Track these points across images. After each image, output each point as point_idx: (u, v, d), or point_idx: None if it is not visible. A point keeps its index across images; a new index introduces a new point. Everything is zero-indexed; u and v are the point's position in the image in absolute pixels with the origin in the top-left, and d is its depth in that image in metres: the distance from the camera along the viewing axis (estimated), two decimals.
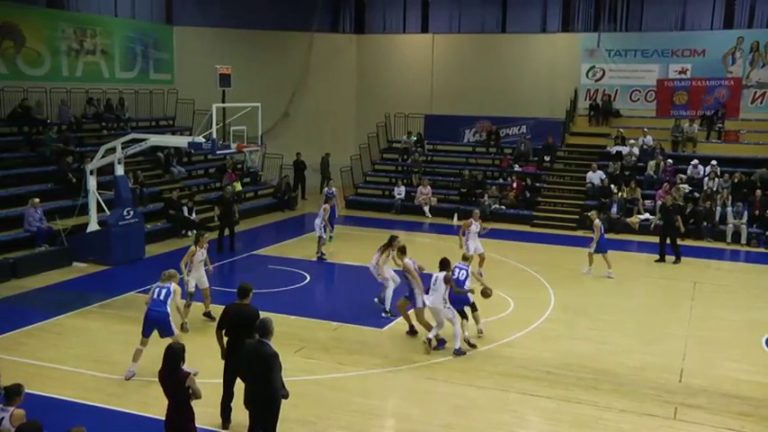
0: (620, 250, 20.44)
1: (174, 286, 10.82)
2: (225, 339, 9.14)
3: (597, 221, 17.62)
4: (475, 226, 17.12)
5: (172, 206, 21.19)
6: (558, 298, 15.42)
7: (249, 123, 17.92)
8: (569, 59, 28.44)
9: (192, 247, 13.24)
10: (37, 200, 17.97)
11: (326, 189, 21.47)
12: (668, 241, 19.08)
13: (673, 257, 18.99)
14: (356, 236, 21.10)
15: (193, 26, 28.47)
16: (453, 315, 12.02)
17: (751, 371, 11.65)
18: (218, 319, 9.31)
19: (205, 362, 10.75)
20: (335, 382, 10.77)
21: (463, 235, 17.09)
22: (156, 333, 10.77)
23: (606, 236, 21.89)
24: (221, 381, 9.57)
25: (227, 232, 19.64)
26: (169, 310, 10.73)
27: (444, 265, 12.10)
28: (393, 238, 13.81)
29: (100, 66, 25.43)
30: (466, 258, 13.30)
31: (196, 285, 13.31)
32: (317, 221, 18.70)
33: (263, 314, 9.04)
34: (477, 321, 12.85)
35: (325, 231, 18.68)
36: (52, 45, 23.57)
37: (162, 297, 10.65)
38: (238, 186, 24.41)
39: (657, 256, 19.14)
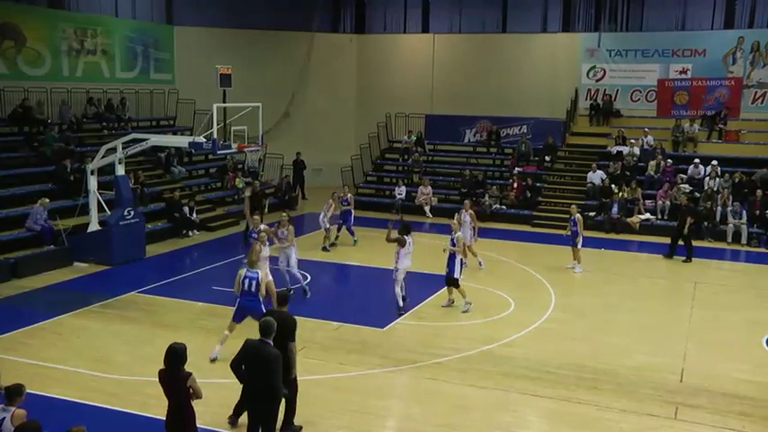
0: (621, 250, 20.48)
1: (261, 275, 11.50)
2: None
3: (579, 215, 17.68)
4: (465, 215, 17.35)
5: (174, 207, 21.19)
6: (558, 298, 15.41)
7: (250, 123, 17.92)
8: (570, 59, 28.42)
9: (257, 245, 13.58)
10: (47, 200, 18.05)
11: (341, 194, 21.10)
12: (681, 242, 19.35)
13: (682, 257, 19.22)
14: (358, 236, 21.06)
15: (194, 26, 28.48)
16: None
17: (752, 371, 11.64)
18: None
19: (205, 363, 10.78)
20: (336, 382, 10.77)
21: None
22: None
23: (607, 236, 22.12)
24: (223, 381, 9.58)
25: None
26: (260, 298, 11.36)
27: (408, 228, 13.99)
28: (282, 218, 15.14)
29: (100, 66, 25.43)
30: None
31: None
32: (324, 217, 19.51)
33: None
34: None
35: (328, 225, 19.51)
36: (53, 45, 23.57)
37: (253, 289, 11.27)
38: (240, 183, 24.71)
39: (665, 254, 19.46)
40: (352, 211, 20.34)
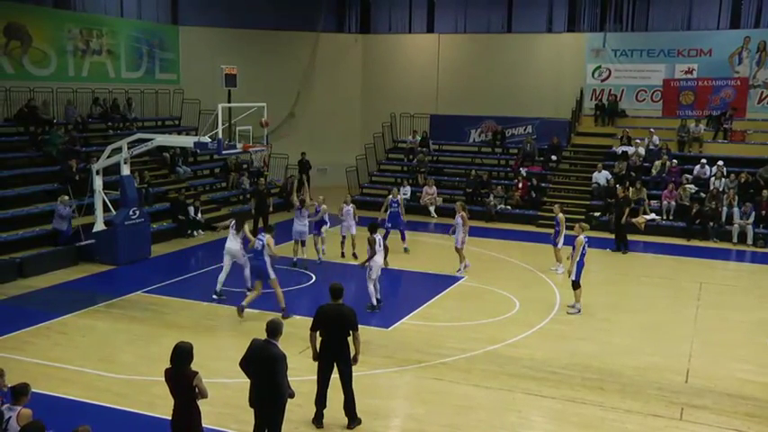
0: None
1: (267, 238, 13.54)
2: (318, 340, 9.22)
3: (561, 215, 17.63)
4: (457, 218, 17.05)
5: (179, 207, 21.23)
6: (563, 298, 15.37)
7: (255, 123, 17.96)
8: (575, 59, 28.37)
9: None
10: (66, 197, 18.16)
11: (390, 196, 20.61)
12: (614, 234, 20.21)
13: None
14: (362, 236, 21.04)
15: (199, 26, 28.54)
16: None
17: (757, 371, 11.62)
18: (312, 320, 9.22)
19: (211, 363, 10.79)
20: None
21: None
22: None
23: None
24: (228, 381, 9.58)
25: (260, 223, 20.43)
26: (266, 258, 13.47)
27: (375, 227, 14.72)
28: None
29: (106, 66, 25.49)
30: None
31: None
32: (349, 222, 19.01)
33: (267, 315, 9.06)
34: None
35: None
36: (59, 45, 23.64)
37: (259, 248, 13.51)
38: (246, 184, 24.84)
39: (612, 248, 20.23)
40: (401, 212, 19.47)
